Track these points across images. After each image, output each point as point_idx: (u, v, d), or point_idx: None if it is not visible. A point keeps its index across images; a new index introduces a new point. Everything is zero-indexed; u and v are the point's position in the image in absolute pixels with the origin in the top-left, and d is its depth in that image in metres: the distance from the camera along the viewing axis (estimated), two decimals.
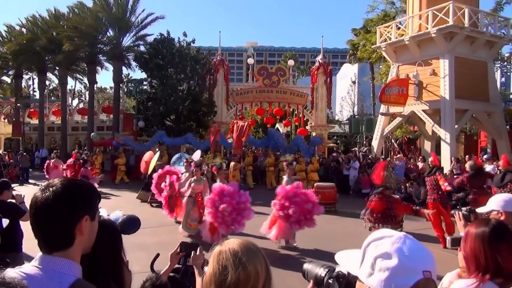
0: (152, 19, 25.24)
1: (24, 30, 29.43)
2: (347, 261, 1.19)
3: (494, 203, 2.72)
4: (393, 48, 19.28)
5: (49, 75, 33.80)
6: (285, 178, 8.42)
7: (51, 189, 1.28)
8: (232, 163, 15.53)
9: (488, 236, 1.81)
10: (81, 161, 13.50)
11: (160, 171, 11.35)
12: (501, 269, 1.74)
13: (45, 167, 16.75)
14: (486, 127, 19.07)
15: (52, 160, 16.66)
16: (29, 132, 30.71)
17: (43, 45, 26.39)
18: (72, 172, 13.75)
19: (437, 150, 19.52)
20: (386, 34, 19.61)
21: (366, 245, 1.14)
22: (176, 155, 13.45)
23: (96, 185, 12.75)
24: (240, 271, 1.23)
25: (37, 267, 1.24)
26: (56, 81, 37.67)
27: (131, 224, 2.19)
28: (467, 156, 16.06)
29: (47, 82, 37.83)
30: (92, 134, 24.41)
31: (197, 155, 12.00)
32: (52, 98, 43.35)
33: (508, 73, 26.06)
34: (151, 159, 13.08)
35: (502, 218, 2.56)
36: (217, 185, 7.90)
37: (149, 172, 12.67)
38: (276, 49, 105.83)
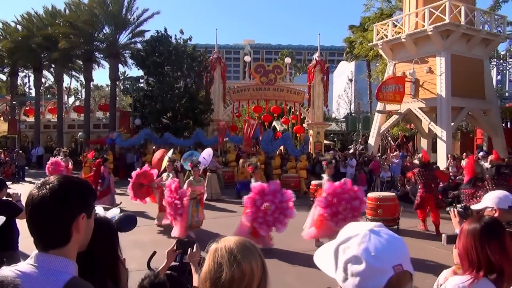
0: (149, 15, 25.17)
1: (19, 27, 29.27)
2: (324, 264, 1.17)
3: (488, 200, 2.74)
4: (390, 46, 19.31)
5: (45, 72, 33.65)
6: (325, 177, 8.12)
7: (47, 186, 1.28)
8: (241, 160, 15.63)
9: (479, 233, 1.83)
10: (100, 159, 13.55)
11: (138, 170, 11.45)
12: (493, 266, 1.76)
13: (48, 165, 14.99)
14: (482, 124, 19.16)
15: (60, 158, 15.95)
16: (25, 130, 30.57)
17: (39, 43, 26.25)
18: (94, 171, 13.62)
19: (433, 147, 19.60)
20: (382, 32, 19.63)
21: (336, 249, 1.13)
22: (188, 152, 13.52)
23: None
24: (234, 269, 1.23)
25: (33, 265, 1.24)
26: (52, 78, 37.59)
27: (128, 222, 2.19)
28: (464, 154, 16.14)
29: (43, 80, 37.63)
30: (80, 134, 24.46)
31: (207, 153, 12.05)
32: (48, 96, 43.14)
33: (504, 71, 26.15)
34: (163, 157, 13.13)
35: (496, 214, 2.58)
36: (257, 184, 7.54)
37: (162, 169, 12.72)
38: (273, 47, 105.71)
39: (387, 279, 1.04)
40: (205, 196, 11.35)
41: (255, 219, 7.18)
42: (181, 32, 23.26)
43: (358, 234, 1.10)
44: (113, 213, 2.13)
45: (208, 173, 14.38)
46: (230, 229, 7.65)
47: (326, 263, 1.16)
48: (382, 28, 19.78)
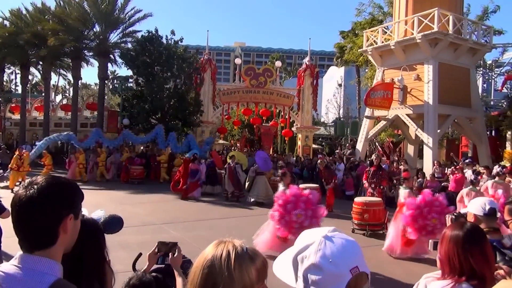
0: (141, 16, 24.98)
1: (7, 23, 28.79)
2: (284, 275, 1.18)
3: (470, 205, 2.85)
4: (379, 52, 19.53)
5: (32, 69, 33.16)
6: (404, 190, 8.19)
7: (35, 186, 1.26)
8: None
9: (462, 239, 1.86)
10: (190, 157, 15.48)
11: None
12: (475, 272, 1.79)
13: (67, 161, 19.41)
14: (468, 132, 19.47)
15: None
16: (10, 127, 30.04)
17: (27, 39, 25.84)
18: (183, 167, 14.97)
19: (420, 153, 19.85)
20: (372, 38, 19.84)
21: (294, 259, 1.15)
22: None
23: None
24: (225, 276, 1.15)
25: (17, 266, 1.22)
26: (39, 76, 37.05)
27: (114, 224, 2.17)
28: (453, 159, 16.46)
29: (30, 77, 37.07)
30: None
31: (263, 156, 13.53)
32: (35, 93, 42.52)
33: (490, 80, 26.63)
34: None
35: (472, 220, 2.66)
36: (294, 189, 7.26)
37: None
38: (264, 50, 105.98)
39: (346, 283, 1.07)
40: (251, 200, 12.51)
41: (291, 229, 6.93)
42: (172, 33, 23.17)
43: (314, 241, 1.12)
44: (99, 215, 2.11)
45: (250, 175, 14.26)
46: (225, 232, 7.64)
47: (286, 274, 1.17)
48: (372, 35, 20.00)
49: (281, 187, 7.95)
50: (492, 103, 24.95)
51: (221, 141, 34.04)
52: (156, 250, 2.24)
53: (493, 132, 21.72)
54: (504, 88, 23.95)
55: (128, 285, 2.03)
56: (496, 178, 9.06)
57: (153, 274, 2.32)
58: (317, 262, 1.09)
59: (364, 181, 10.94)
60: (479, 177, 10.43)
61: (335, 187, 12.74)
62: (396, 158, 19.63)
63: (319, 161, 15.33)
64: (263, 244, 7.18)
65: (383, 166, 15.52)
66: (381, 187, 10.24)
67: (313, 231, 1.18)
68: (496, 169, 12.73)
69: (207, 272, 1.16)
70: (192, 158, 15.23)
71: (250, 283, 1.15)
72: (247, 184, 14.23)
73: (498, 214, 2.93)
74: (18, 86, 40.77)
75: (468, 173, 13.09)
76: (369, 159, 18.20)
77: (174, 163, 18.71)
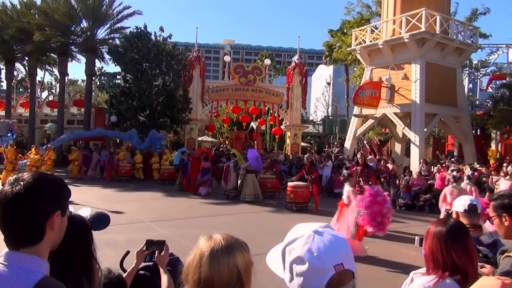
0: (129, 13, 24.73)
1: None
2: (274, 265, 1.22)
3: (454, 203, 2.92)
4: (367, 51, 19.67)
5: (17, 65, 32.57)
6: (348, 188, 8.12)
7: (21, 183, 1.24)
8: None
9: (445, 235, 1.89)
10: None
11: None
12: (458, 267, 1.83)
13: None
14: (454, 131, 19.76)
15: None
16: None
17: (12, 34, 25.37)
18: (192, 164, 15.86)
19: (406, 152, 20.08)
20: (361, 37, 19.98)
21: (283, 250, 1.19)
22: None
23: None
24: (205, 271, 1.21)
25: (3, 263, 1.21)
26: (25, 71, 36.39)
27: (100, 221, 2.16)
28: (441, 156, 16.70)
29: (15, 73, 36.41)
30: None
31: (254, 155, 14.03)
32: (20, 89, 41.79)
33: (476, 80, 27.04)
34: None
35: (454, 216, 2.73)
36: (375, 188, 7.37)
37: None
38: (253, 48, 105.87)
39: (328, 278, 1.09)
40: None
41: (379, 228, 7.08)
42: (161, 29, 23.00)
43: (303, 235, 1.16)
44: (85, 212, 2.10)
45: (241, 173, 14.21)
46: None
47: (276, 264, 1.22)
48: (361, 34, 20.13)
49: (347, 187, 8.04)
50: (477, 102, 25.35)
51: (209, 139, 33.94)
52: (144, 248, 2.24)
53: (478, 131, 22.09)
54: (489, 87, 24.36)
55: (101, 284, 2.02)
56: (455, 184, 8.46)
57: (141, 272, 2.32)
58: (303, 255, 1.12)
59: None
60: (458, 174, 10.49)
61: (315, 181, 12.87)
62: (384, 157, 19.86)
63: (306, 155, 15.83)
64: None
65: (370, 164, 15.75)
66: (370, 183, 10.37)
67: (305, 225, 1.21)
68: (467, 171, 12.34)
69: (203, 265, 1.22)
70: (205, 157, 15.99)
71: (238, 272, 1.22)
72: (239, 182, 14.27)
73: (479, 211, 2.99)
74: (3, 82, 39.97)
75: (449, 172, 13.20)
76: (349, 159, 18.41)
77: (151, 161, 19.51)
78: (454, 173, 10.62)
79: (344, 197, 8.13)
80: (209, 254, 1.23)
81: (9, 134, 19.04)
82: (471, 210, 2.90)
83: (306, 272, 1.11)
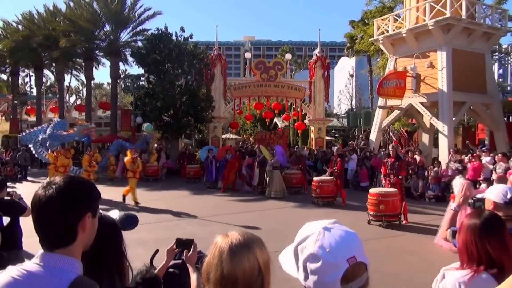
0: (150, 14, 25.16)
1: (20, 26, 29.27)
2: (288, 266, 1.24)
3: (490, 192, 2.74)
4: (391, 41, 19.25)
5: (46, 71, 33.68)
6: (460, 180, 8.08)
7: (54, 186, 1.30)
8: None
9: (479, 228, 1.83)
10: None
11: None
12: (493, 261, 1.77)
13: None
14: (484, 119, 19.11)
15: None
16: (26, 130, 30.64)
17: (40, 42, 26.26)
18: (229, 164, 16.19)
19: (435, 142, 19.58)
20: (383, 27, 19.56)
21: (295, 250, 1.20)
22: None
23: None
24: (223, 269, 1.22)
25: (38, 264, 1.25)
26: (53, 77, 37.61)
27: (129, 221, 2.22)
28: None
29: (44, 79, 37.66)
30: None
31: (281, 151, 14.36)
32: (50, 94, 43.21)
33: (506, 65, 26.07)
34: None
35: (491, 207, 2.57)
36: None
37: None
38: (274, 43, 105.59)
39: (343, 272, 1.11)
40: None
41: None
42: (182, 29, 23.20)
43: (314, 232, 1.18)
44: (115, 214, 2.16)
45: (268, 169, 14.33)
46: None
47: (289, 264, 1.23)
48: (383, 23, 19.71)
49: (461, 180, 7.90)
50: (509, 88, 24.43)
51: (233, 136, 34.11)
52: (174, 246, 2.28)
53: (510, 118, 21.28)
54: None
55: (134, 281, 2.06)
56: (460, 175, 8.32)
57: (170, 270, 2.36)
58: (315, 252, 1.14)
59: (382, 175, 10.91)
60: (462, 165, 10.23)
61: (339, 174, 12.56)
62: (411, 148, 19.41)
63: (336, 147, 15.64)
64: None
65: (401, 156, 15.46)
66: (400, 177, 10.13)
67: (314, 223, 1.23)
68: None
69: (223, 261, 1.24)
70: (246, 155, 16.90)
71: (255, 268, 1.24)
72: (267, 179, 14.30)
73: None
74: (33, 88, 41.47)
75: (485, 160, 12.87)
76: (383, 150, 18.08)
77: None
78: (457, 164, 10.34)
79: (456, 189, 7.92)
80: (228, 250, 1.24)
81: (84, 138, 18.92)
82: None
83: (320, 268, 1.13)
